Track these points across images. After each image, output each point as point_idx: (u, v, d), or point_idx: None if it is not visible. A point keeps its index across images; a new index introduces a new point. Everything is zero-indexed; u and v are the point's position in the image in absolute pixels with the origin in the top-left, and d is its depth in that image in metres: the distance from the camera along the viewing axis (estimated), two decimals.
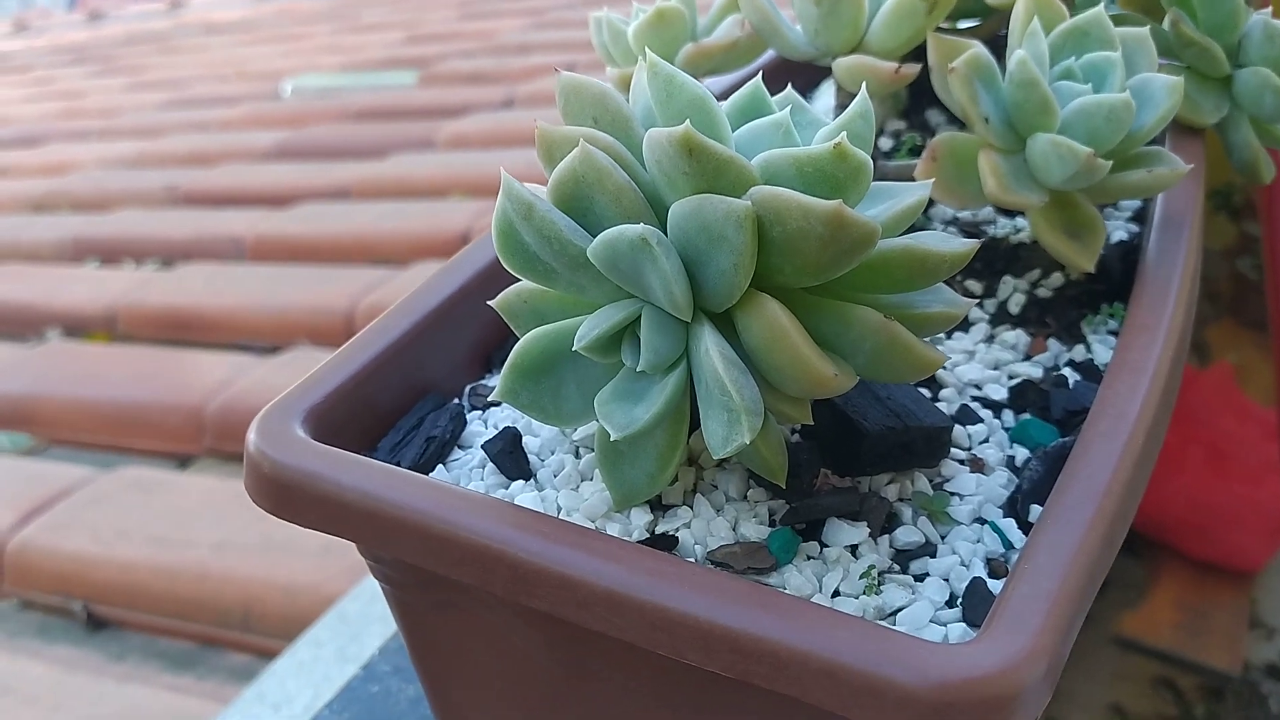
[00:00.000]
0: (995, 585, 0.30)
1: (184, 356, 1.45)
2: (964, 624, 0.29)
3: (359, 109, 2.49)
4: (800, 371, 0.27)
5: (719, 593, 0.26)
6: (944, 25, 0.52)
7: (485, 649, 0.33)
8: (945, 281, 0.41)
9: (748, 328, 0.28)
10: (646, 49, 0.29)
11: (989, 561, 0.31)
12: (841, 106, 0.44)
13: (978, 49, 0.39)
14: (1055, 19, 0.41)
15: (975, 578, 0.30)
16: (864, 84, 0.31)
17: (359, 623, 0.76)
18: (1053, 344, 0.41)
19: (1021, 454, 0.35)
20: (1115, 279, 0.43)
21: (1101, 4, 0.41)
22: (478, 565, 0.28)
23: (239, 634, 0.93)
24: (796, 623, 0.25)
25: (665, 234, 0.28)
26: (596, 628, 0.27)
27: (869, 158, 0.28)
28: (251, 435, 0.31)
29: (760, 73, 0.32)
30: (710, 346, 0.28)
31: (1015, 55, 0.38)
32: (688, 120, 0.27)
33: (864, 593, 0.30)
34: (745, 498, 0.32)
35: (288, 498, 0.30)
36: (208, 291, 1.62)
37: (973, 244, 0.29)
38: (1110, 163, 0.38)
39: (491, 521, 0.28)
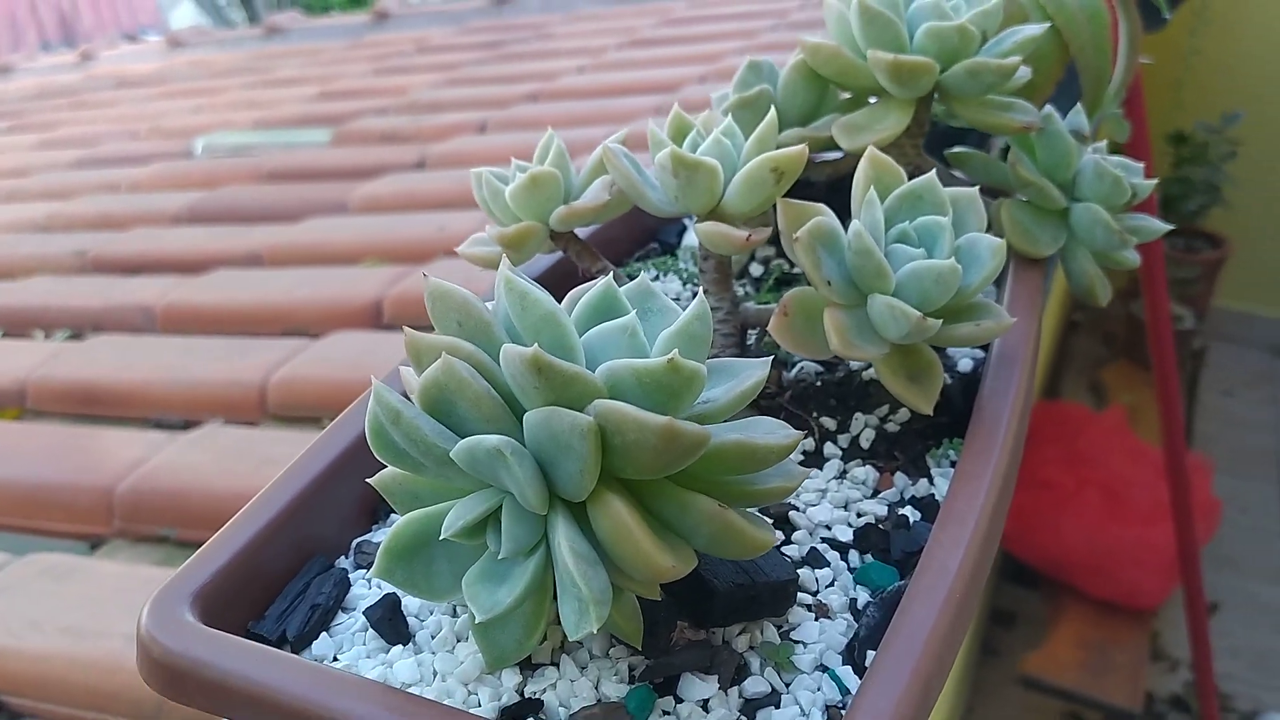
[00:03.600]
0: None
1: (94, 433, 1.44)
2: None
3: (272, 169, 2.49)
4: (642, 564, 0.30)
5: None
6: (812, 154, 0.56)
7: None
8: (799, 417, 0.45)
9: (597, 523, 0.31)
10: (505, 265, 0.33)
11: (827, 708, 0.34)
12: (705, 255, 0.47)
13: (820, 219, 0.43)
14: (893, 183, 0.46)
15: None
16: (700, 294, 0.34)
17: None
18: (899, 478, 0.44)
19: (863, 596, 0.39)
20: (958, 410, 0.47)
21: (933, 170, 0.46)
22: None
23: None
24: None
25: (522, 436, 0.31)
26: None
27: (700, 367, 0.31)
28: (144, 618, 0.34)
29: (611, 274, 0.35)
30: (562, 540, 0.31)
31: (852, 226, 0.42)
32: (536, 343, 0.30)
33: None
34: (607, 654, 0.36)
35: (177, 683, 0.32)
36: (118, 364, 1.61)
37: (796, 437, 0.33)
38: (940, 321, 0.42)
39: (359, 701, 0.31)
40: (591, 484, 0.30)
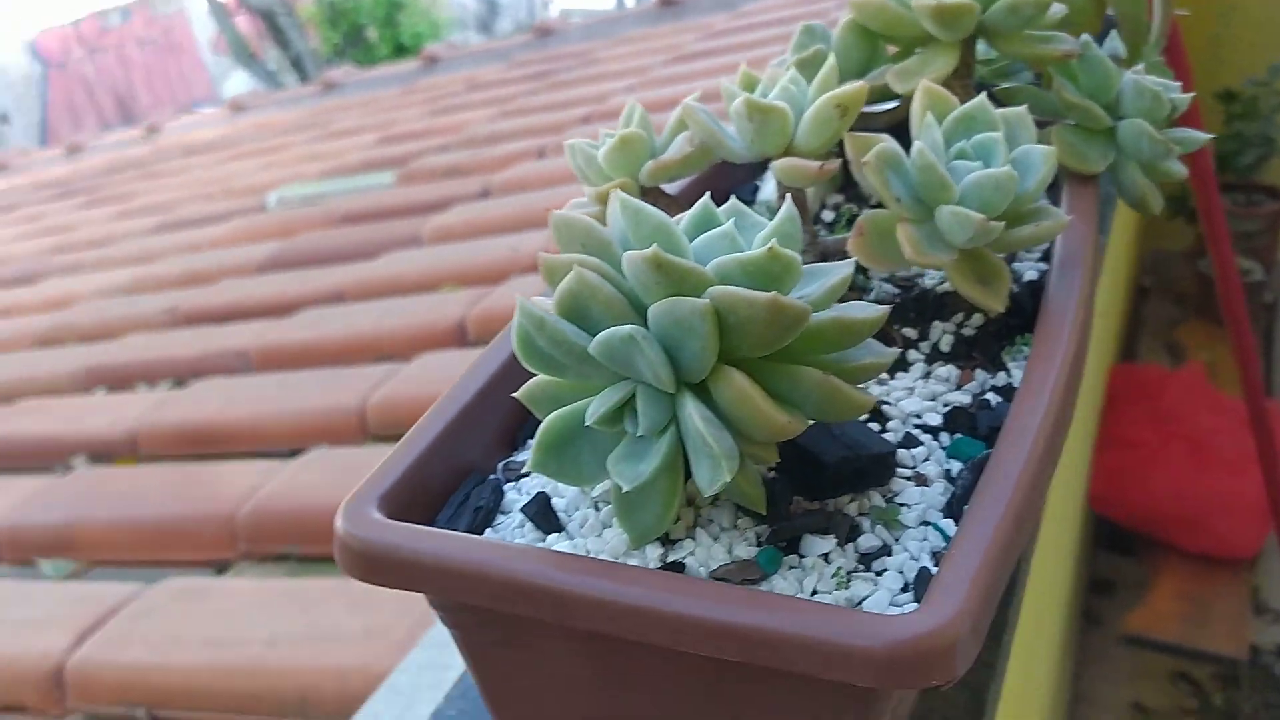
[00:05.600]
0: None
1: (209, 469, 1.53)
2: (916, 603, 0.37)
3: (344, 213, 2.60)
4: (762, 423, 0.36)
5: (722, 598, 0.34)
6: (866, 108, 0.61)
7: (540, 675, 0.41)
8: (884, 329, 0.50)
9: (719, 394, 0.36)
10: (616, 191, 0.38)
11: (934, 554, 0.39)
12: (782, 194, 0.52)
13: (885, 143, 0.48)
14: (947, 109, 0.50)
15: (922, 567, 0.38)
16: (788, 194, 0.39)
17: (410, 692, 0.83)
18: (979, 374, 0.49)
19: (956, 466, 0.43)
20: (1027, 312, 0.52)
21: (982, 95, 0.50)
22: (529, 600, 0.36)
23: None
24: (783, 614, 0.33)
25: (647, 329, 0.36)
26: (628, 637, 0.35)
27: (796, 255, 0.36)
28: (338, 522, 0.39)
29: (709, 193, 0.41)
30: (691, 411, 0.36)
31: (915, 146, 0.47)
32: (655, 244, 0.35)
33: (836, 589, 0.37)
34: (735, 526, 0.41)
35: (374, 567, 0.38)
36: (222, 404, 1.70)
37: (884, 310, 0.38)
38: (1003, 223, 0.46)
39: (536, 564, 0.36)
40: (712, 359, 0.35)
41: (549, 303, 0.38)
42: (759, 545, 0.39)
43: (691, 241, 0.39)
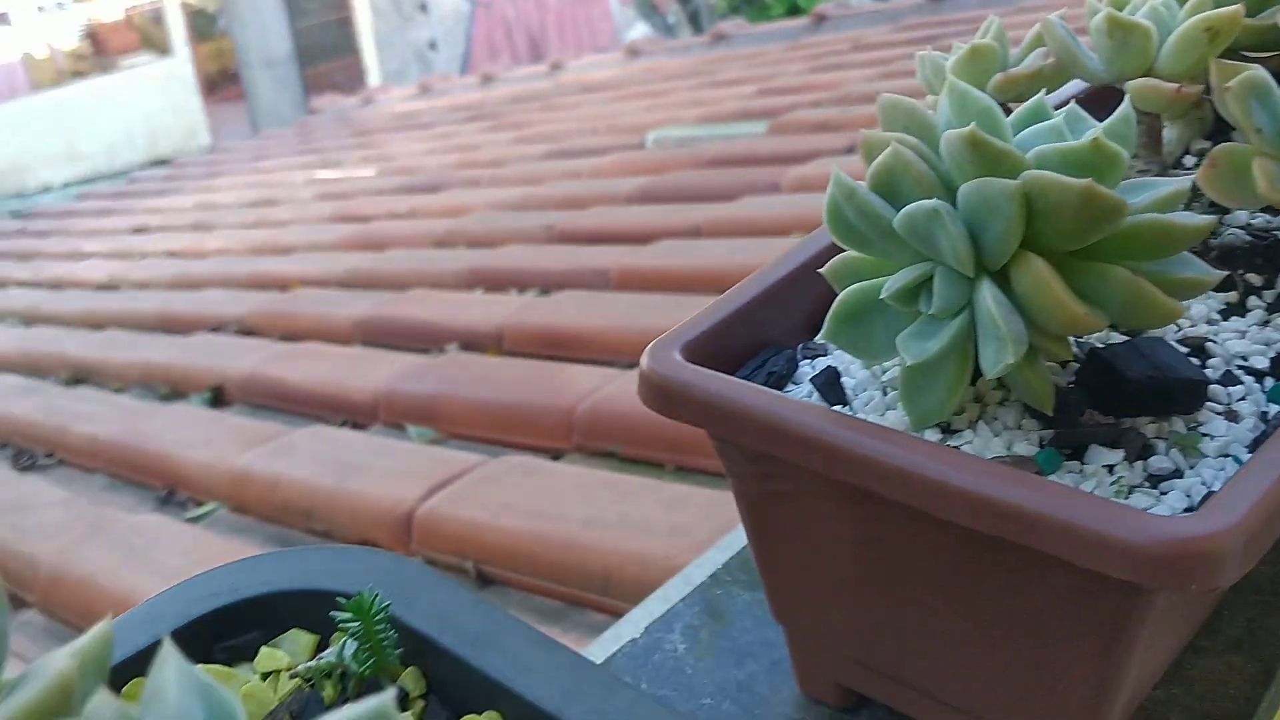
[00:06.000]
0: None
1: (558, 368, 1.66)
2: None
3: (712, 156, 2.69)
4: (1057, 311, 0.36)
5: (985, 472, 0.35)
6: (1249, 51, 0.57)
7: (805, 533, 0.43)
8: (1238, 267, 0.47)
9: (1017, 278, 0.36)
10: (949, 76, 0.39)
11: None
12: (1137, 118, 0.50)
13: (1255, 70, 0.45)
14: None
15: (1210, 490, 0.36)
16: (1127, 97, 0.38)
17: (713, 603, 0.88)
18: None
19: (1275, 410, 0.41)
20: None
21: None
22: (802, 448, 0.38)
23: (599, 596, 1.08)
24: (1045, 495, 0.34)
25: (956, 210, 0.37)
26: (891, 497, 0.37)
27: (1122, 150, 0.36)
28: (644, 359, 0.43)
29: (1043, 92, 0.41)
30: (986, 293, 0.37)
31: None
32: (973, 122, 0.36)
33: (1114, 497, 0.37)
34: (1020, 426, 0.41)
35: (669, 401, 0.42)
36: (578, 315, 1.83)
37: (1210, 220, 0.36)
38: None
39: (813, 416, 0.38)
40: (1015, 243, 0.36)
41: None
42: (1040, 447, 0.39)
43: (1018, 133, 0.39)
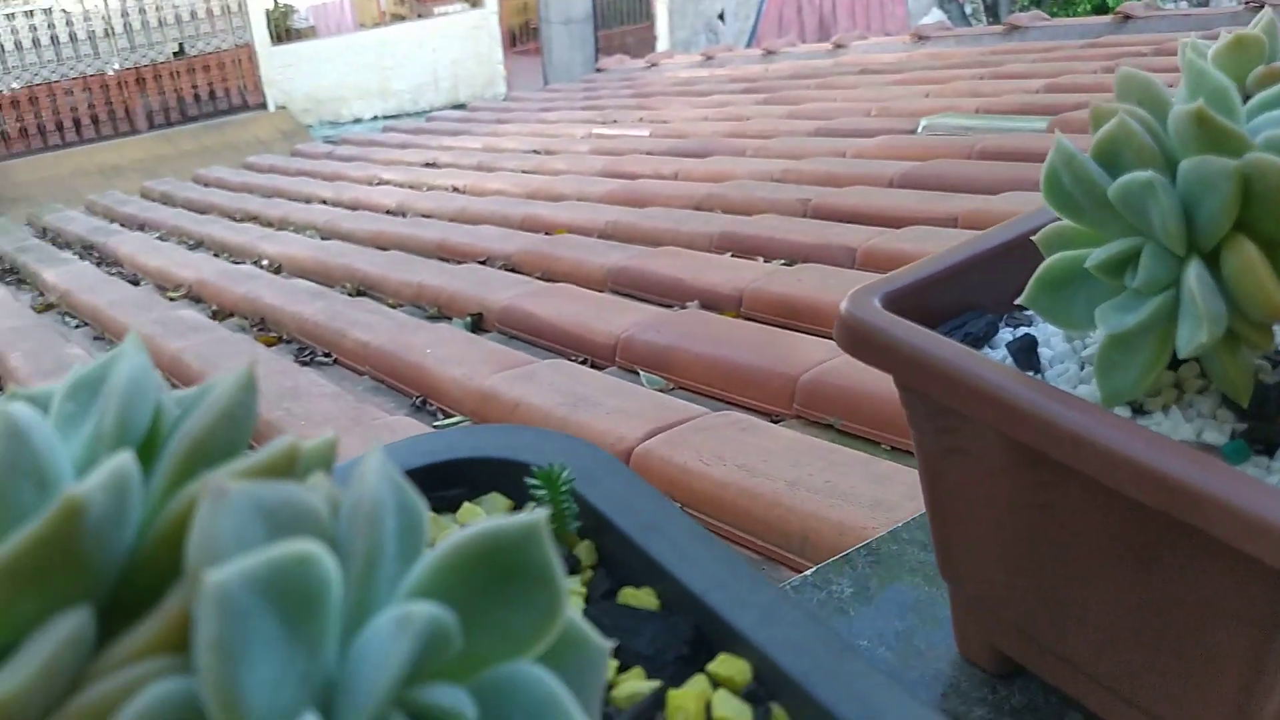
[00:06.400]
0: None
1: (790, 336, 1.68)
2: None
3: (983, 149, 2.60)
4: (1261, 296, 0.35)
5: (1159, 445, 0.35)
6: None
7: (978, 490, 0.44)
8: None
9: (1226, 260, 0.36)
10: (1190, 55, 0.39)
11: None
12: None
13: None
14: None
15: None
16: None
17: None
18: None
19: None
20: None
21: None
22: (979, 401, 0.39)
23: (795, 556, 1.11)
24: (1215, 474, 0.34)
25: (1174, 186, 0.37)
26: (1063, 460, 0.37)
27: None
28: (844, 304, 0.45)
29: None
30: (1191, 273, 0.37)
31: None
32: (1201, 99, 0.36)
33: None
34: (1214, 416, 0.40)
35: (861, 344, 0.44)
36: (818, 288, 1.84)
37: None
38: None
39: (995, 373, 0.39)
40: (1227, 224, 0.36)
41: None
42: (1231, 438, 0.39)
43: (1253, 119, 0.38)
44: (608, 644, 0.27)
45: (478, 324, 2.26)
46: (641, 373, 1.73)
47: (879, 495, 1.10)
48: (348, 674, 0.22)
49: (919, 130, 3.11)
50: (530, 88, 8.11)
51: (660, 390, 1.64)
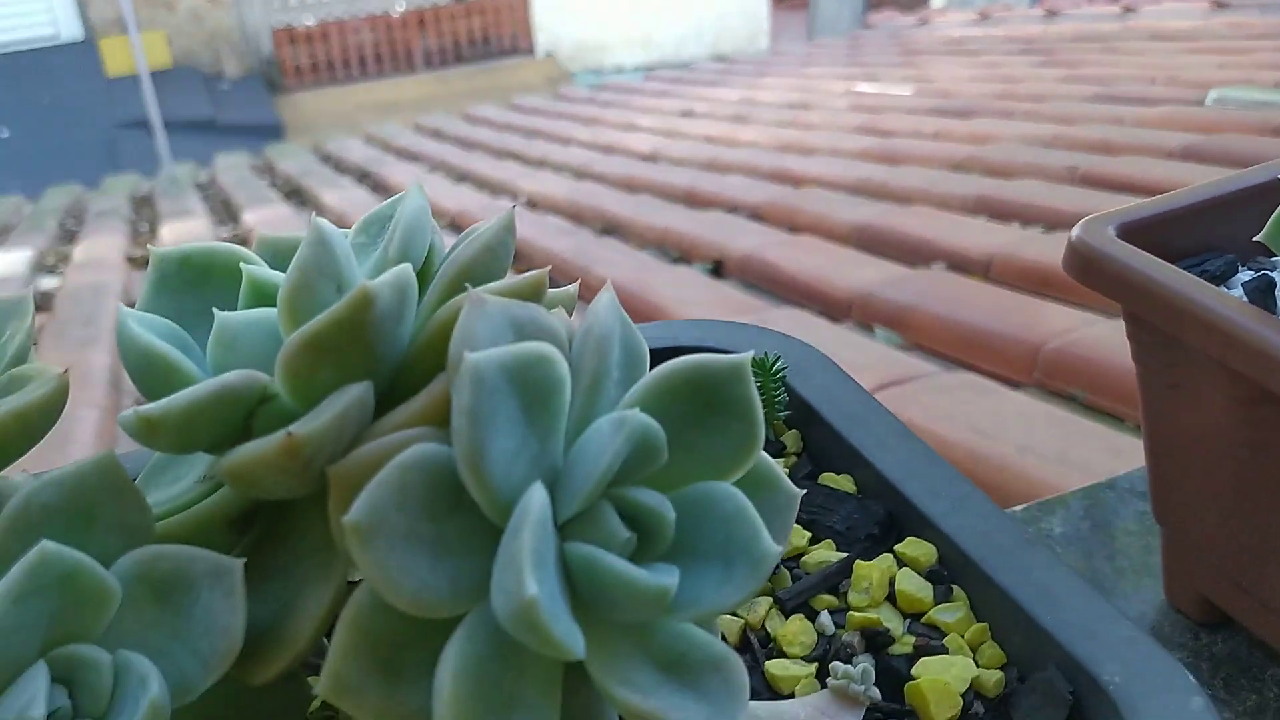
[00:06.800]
0: None
1: (1037, 304, 1.63)
2: None
3: (1278, 125, 2.40)
4: None
5: None
6: None
7: (1196, 428, 0.44)
8: None
9: None
10: None
11: None
12: None
13: None
14: None
15: None
16: None
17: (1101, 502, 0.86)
18: None
19: None
20: None
21: None
22: (1203, 329, 0.39)
23: None
24: None
25: None
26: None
27: None
28: (1075, 230, 0.46)
29: None
30: None
31: None
32: None
33: None
34: None
35: (1089, 270, 0.44)
36: None
37: None
38: None
39: (1222, 303, 0.39)
40: None
41: None
42: None
43: None
44: (798, 491, 0.30)
45: (718, 269, 2.30)
46: (877, 328, 1.72)
47: (1115, 467, 1.06)
48: (570, 467, 0.25)
49: (1208, 102, 2.89)
50: (794, 42, 8.04)
51: (896, 348, 1.63)
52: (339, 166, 4.89)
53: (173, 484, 0.30)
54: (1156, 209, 0.47)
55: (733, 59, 6.94)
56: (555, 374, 0.25)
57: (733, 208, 2.74)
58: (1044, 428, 1.22)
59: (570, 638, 0.23)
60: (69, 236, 4.14)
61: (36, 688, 0.23)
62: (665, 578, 0.25)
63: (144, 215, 4.44)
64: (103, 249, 3.54)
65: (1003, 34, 5.17)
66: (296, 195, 4.40)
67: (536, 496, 0.23)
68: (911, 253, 2.05)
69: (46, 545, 0.23)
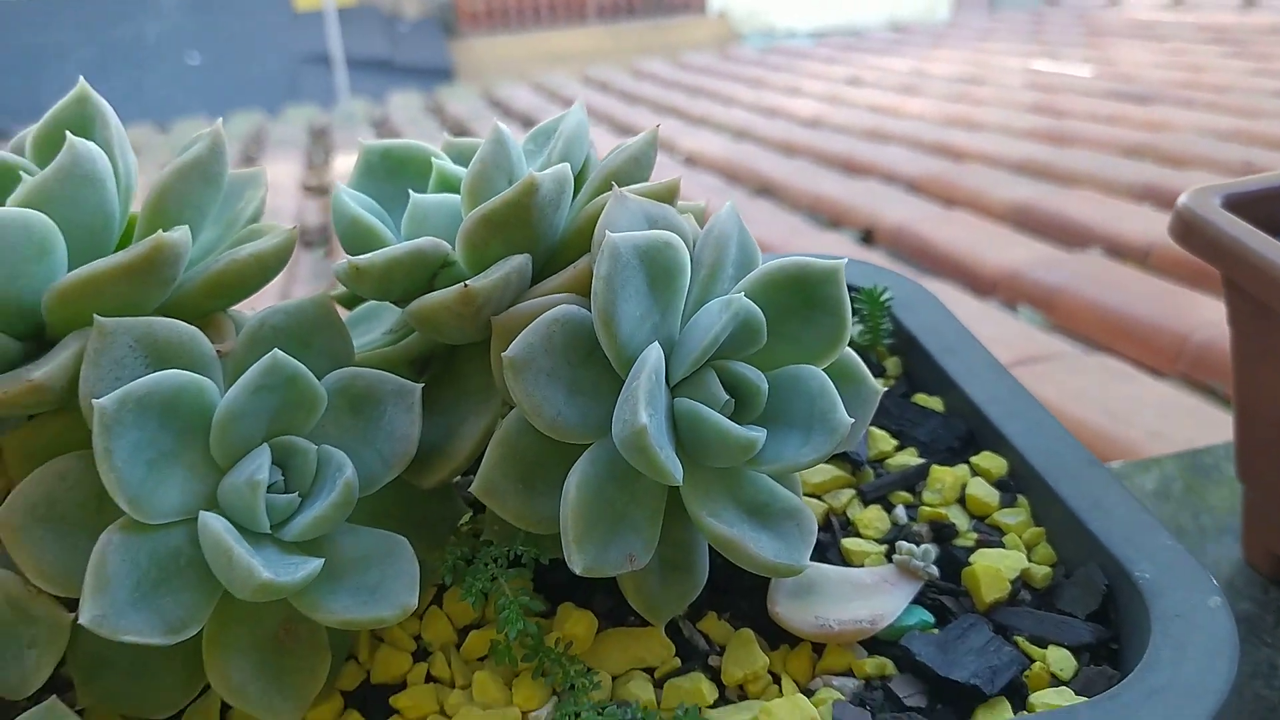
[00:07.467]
0: None
1: (1192, 296, 1.60)
2: None
3: None
4: None
5: None
6: None
7: None
8: None
9: None
10: None
11: None
12: None
13: None
14: None
15: None
16: None
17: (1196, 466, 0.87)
18: None
19: None
20: None
21: None
22: None
23: None
24: None
25: None
26: None
27: None
28: (1183, 198, 0.48)
29: None
30: None
31: None
32: None
33: None
34: None
35: (1189, 234, 0.47)
36: None
37: None
38: None
39: None
40: None
41: None
42: None
43: None
44: (880, 387, 0.35)
45: (868, 238, 2.31)
46: (1020, 307, 1.72)
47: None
48: (684, 338, 0.31)
49: None
50: (977, 12, 7.81)
51: (1038, 327, 1.62)
52: (507, 112, 5.03)
53: (366, 334, 0.37)
54: (1265, 184, 0.49)
55: (908, 28, 6.81)
56: (678, 258, 0.31)
57: (889, 178, 2.73)
58: (1178, 417, 1.21)
59: (671, 464, 0.28)
60: (249, 161, 4.42)
61: (262, 461, 0.30)
62: (754, 433, 0.30)
63: (320, 145, 4.68)
64: (279, 175, 3.76)
65: (1194, 20, 4.93)
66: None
67: (654, 353, 0.29)
68: (1068, 235, 2.02)
69: (277, 352, 0.30)
